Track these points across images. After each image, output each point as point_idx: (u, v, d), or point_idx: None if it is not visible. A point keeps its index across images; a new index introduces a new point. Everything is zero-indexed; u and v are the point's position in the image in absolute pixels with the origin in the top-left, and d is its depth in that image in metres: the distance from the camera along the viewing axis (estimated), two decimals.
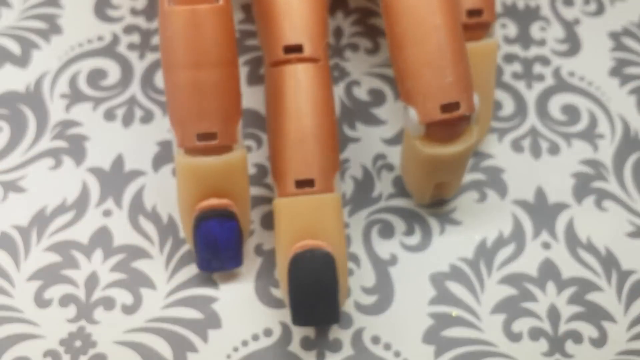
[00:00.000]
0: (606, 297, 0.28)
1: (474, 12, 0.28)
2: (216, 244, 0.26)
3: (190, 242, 0.27)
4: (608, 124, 0.32)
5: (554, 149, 0.31)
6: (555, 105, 0.33)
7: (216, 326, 0.27)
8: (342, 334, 0.27)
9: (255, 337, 0.27)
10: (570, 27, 0.35)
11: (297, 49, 0.26)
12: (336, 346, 0.27)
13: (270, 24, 0.26)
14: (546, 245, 0.29)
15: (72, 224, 0.29)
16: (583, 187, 0.30)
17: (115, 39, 0.34)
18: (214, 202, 0.26)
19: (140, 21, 0.34)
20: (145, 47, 0.34)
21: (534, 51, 0.34)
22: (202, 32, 0.24)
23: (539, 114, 0.32)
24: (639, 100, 0.33)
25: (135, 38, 0.34)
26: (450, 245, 0.29)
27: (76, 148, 0.31)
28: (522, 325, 0.27)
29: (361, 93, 0.33)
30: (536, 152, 0.31)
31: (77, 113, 0.32)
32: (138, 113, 0.32)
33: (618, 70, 0.34)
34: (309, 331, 0.27)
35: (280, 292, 0.27)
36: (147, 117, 0.32)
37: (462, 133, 0.26)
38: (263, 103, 0.32)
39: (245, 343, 0.27)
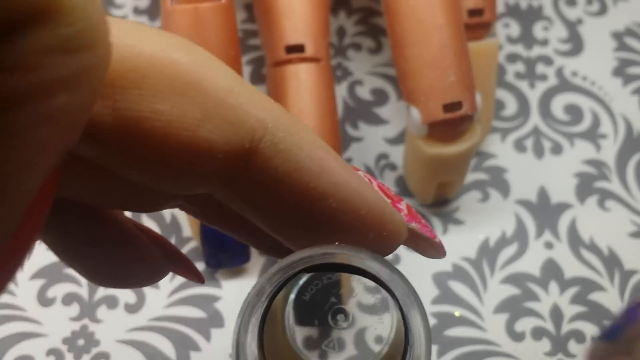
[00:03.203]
0: (609, 297, 0.28)
1: (475, 12, 0.28)
2: (223, 242, 0.26)
3: (198, 240, 0.27)
4: (611, 123, 0.32)
5: (557, 149, 0.31)
6: (558, 105, 0.33)
7: (219, 325, 0.27)
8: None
9: None
10: (573, 27, 0.35)
11: (299, 48, 0.26)
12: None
13: (271, 24, 0.26)
14: (549, 245, 0.29)
15: None
16: (586, 187, 0.30)
17: None
18: None
19: (144, 20, 0.34)
20: None
21: (536, 51, 0.34)
22: (204, 31, 0.24)
23: (541, 114, 0.32)
24: None
25: None
26: (453, 245, 0.29)
27: None
28: (524, 324, 0.27)
29: (364, 92, 0.33)
30: (539, 151, 0.31)
31: None
32: None
33: (621, 70, 0.34)
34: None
35: None
36: None
37: (464, 132, 0.26)
38: None
39: None
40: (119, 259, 0.17)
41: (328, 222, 0.15)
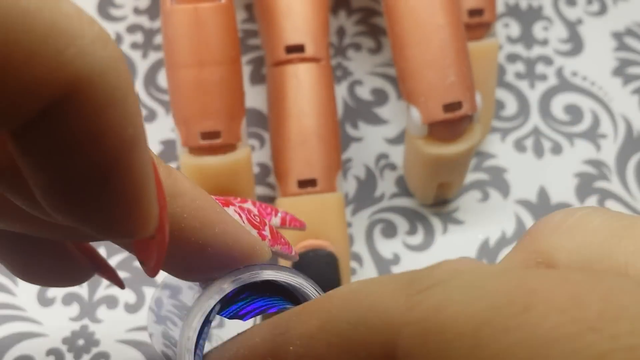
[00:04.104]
0: None
1: (475, 12, 0.28)
2: None
3: None
4: (611, 123, 0.32)
5: (557, 149, 0.31)
6: (558, 105, 0.33)
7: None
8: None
9: None
10: (573, 26, 0.35)
11: (299, 48, 0.26)
12: None
13: (271, 24, 0.26)
14: None
15: None
16: (586, 187, 0.30)
17: (118, 38, 0.34)
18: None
19: (144, 20, 0.34)
20: (148, 46, 0.34)
21: (536, 51, 0.34)
22: (204, 31, 0.24)
23: (541, 114, 0.32)
24: None
25: (138, 37, 0.34)
26: (453, 245, 0.29)
27: None
28: None
29: (364, 92, 0.33)
30: (539, 151, 0.31)
31: None
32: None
33: (621, 70, 0.34)
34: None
35: None
36: (150, 116, 0.32)
37: (464, 132, 0.26)
38: (266, 102, 0.32)
39: None
40: (46, 264, 0.19)
41: (205, 264, 0.17)
